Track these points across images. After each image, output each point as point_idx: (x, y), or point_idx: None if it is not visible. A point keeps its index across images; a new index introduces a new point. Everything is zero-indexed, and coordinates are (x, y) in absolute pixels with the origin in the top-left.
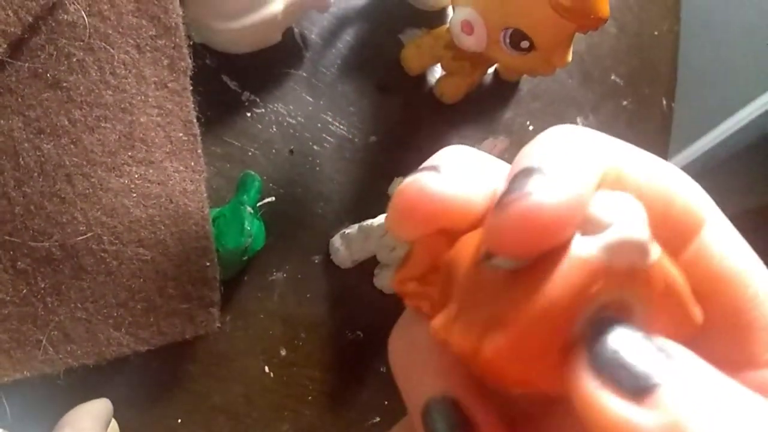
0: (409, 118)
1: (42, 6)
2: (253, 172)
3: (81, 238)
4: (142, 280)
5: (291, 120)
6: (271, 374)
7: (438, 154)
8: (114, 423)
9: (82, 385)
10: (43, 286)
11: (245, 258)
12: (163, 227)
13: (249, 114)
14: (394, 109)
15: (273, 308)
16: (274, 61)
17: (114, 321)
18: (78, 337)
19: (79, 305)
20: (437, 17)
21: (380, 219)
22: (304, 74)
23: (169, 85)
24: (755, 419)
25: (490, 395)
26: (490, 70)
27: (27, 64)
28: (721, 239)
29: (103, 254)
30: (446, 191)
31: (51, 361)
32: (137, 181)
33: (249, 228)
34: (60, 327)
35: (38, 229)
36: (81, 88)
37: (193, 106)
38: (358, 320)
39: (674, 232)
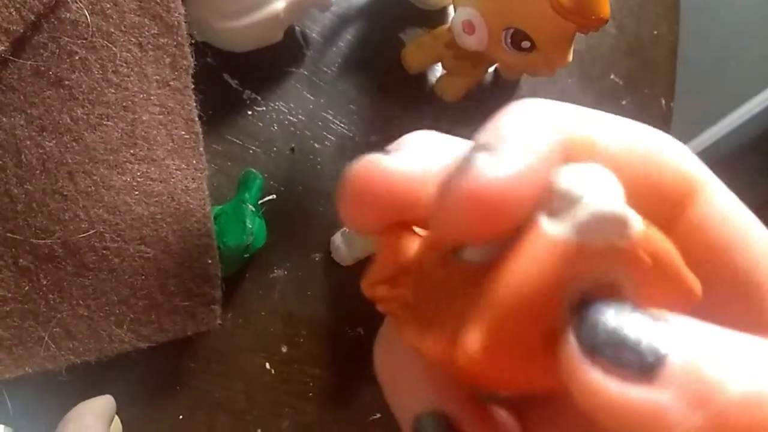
0: (410, 117)
1: (44, 4)
2: (254, 170)
3: (83, 235)
4: (143, 277)
5: (292, 118)
6: (272, 371)
7: (400, 139)
8: (116, 419)
9: (84, 381)
10: (45, 283)
11: (246, 255)
12: (165, 225)
13: (250, 112)
14: (394, 107)
15: (274, 305)
16: (275, 59)
17: (116, 318)
18: (80, 334)
19: (81, 302)
20: (438, 16)
21: None
22: (305, 73)
23: (171, 83)
24: None
25: (485, 399)
26: (491, 69)
27: (29, 62)
28: (718, 202)
29: (105, 251)
30: (397, 168)
31: (53, 358)
32: (139, 179)
33: (250, 226)
34: (62, 324)
35: (40, 227)
36: (83, 86)
37: (194, 104)
38: (359, 317)
39: (666, 201)
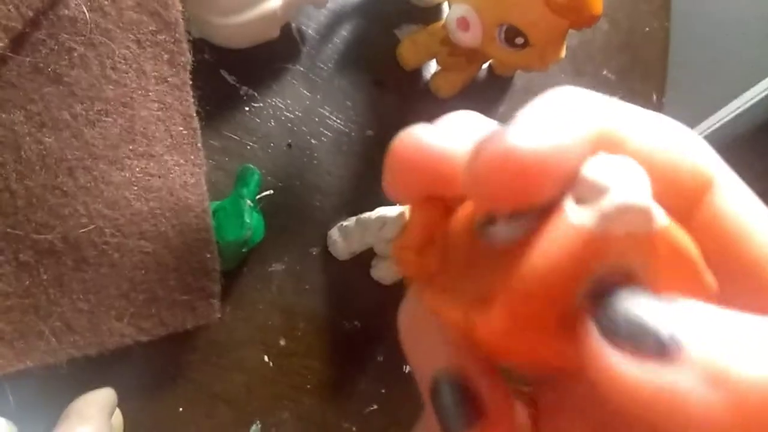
0: (405, 113)
1: (43, 1)
2: (252, 166)
3: (83, 230)
4: (143, 271)
5: (289, 114)
6: (271, 364)
7: (443, 117)
8: (118, 412)
9: (85, 375)
10: (45, 277)
11: (245, 250)
12: (164, 220)
13: (247, 108)
14: (390, 103)
15: (272, 299)
16: (272, 56)
17: (116, 312)
18: (80, 328)
19: (81, 296)
20: (433, 13)
21: (377, 212)
22: (302, 69)
23: (169, 79)
24: None
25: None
26: (485, 65)
27: (28, 59)
28: (732, 197)
29: (104, 246)
30: (437, 143)
31: (54, 352)
32: (138, 175)
33: (248, 221)
34: (62, 318)
35: (40, 222)
36: (82, 82)
37: (192, 100)
38: (356, 310)
39: (683, 196)
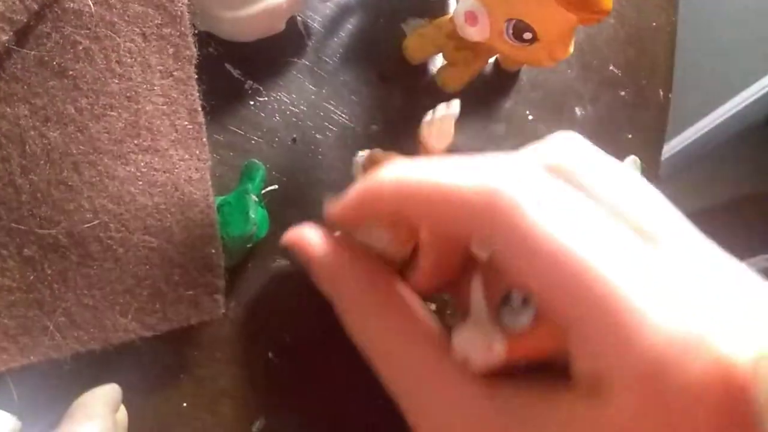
0: (411, 108)
1: None
2: (256, 161)
3: (88, 225)
4: (148, 267)
5: (294, 109)
6: (275, 360)
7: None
8: (122, 407)
9: (89, 370)
10: (49, 272)
11: (249, 245)
12: (168, 215)
13: (252, 103)
14: (395, 98)
15: (277, 295)
16: (277, 49)
17: (120, 307)
18: (85, 323)
19: (85, 292)
20: (439, 7)
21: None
22: (307, 63)
23: (175, 73)
24: None
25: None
26: (491, 60)
27: (33, 52)
28: None
29: (109, 241)
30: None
31: (58, 347)
32: (143, 169)
33: (253, 216)
34: (67, 313)
35: (45, 217)
36: (87, 76)
37: (198, 94)
38: None
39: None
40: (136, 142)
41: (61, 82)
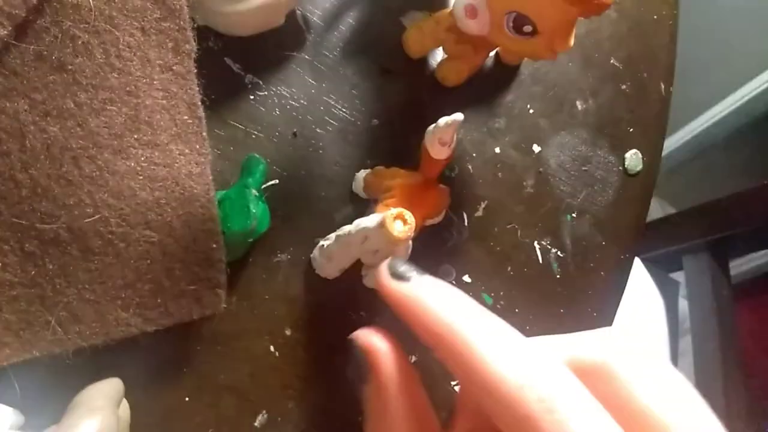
0: (411, 102)
1: None
2: (257, 155)
3: (88, 220)
4: (149, 261)
5: (294, 103)
6: (277, 353)
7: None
8: (124, 401)
9: (91, 365)
10: (51, 267)
11: (250, 240)
12: (169, 210)
13: (252, 97)
14: (395, 92)
15: (278, 289)
16: (276, 43)
17: (122, 302)
18: (86, 318)
19: (87, 286)
20: (439, 0)
21: (357, 224)
22: (307, 57)
23: (174, 67)
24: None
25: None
26: (492, 53)
27: (32, 47)
28: None
29: (110, 236)
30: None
31: (60, 342)
32: (143, 164)
33: (254, 210)
34: (68, 308)
35: (45, 212)
36: (86, 70)
37: (197, 88)
38: (361, 301)
39: None
40: (136, 136)
41: (61, 77)
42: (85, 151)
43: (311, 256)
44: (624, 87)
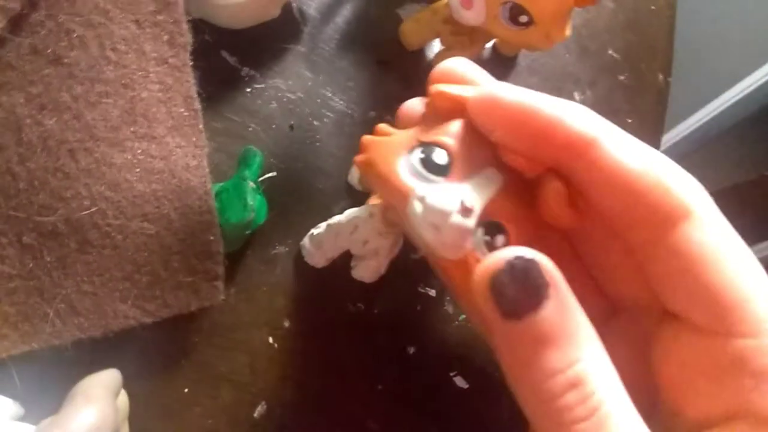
0: (408, 93)
1: None
2: (254, 148)
3: (86, 212)
4: (147, 253)
5: (290, 95)
6: (275, 345)
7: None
8: (123, 393)
9: (90, 356)
10: (49, 260)
11: (248, 232)
12: (166, 202)
13: (248, 89)
14: (392, 84)
15: (276, 281)
16: (272, 36)
17: (120, 294)
18: (85, 310)
19: (85, 279)
20: None
21: (348, 214)
22: (303, 49)
23: (170, 60)
24: None
25: None
26: (488, 44)
27: (27, 40)
28: (708, 230)
29: (108, 228)
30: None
31: (59, 334)
32: (140, 157)
33: (251, 203)
34: (67, 300)
35: (43, 204)
36: (82, 63)
37: (193, 81)
38: (359, 293)
39: (653, 220)
40: (132, 129)
41: (56, 70)
42: (82, 143)
43: (301, 243)
44: (622, 78)
